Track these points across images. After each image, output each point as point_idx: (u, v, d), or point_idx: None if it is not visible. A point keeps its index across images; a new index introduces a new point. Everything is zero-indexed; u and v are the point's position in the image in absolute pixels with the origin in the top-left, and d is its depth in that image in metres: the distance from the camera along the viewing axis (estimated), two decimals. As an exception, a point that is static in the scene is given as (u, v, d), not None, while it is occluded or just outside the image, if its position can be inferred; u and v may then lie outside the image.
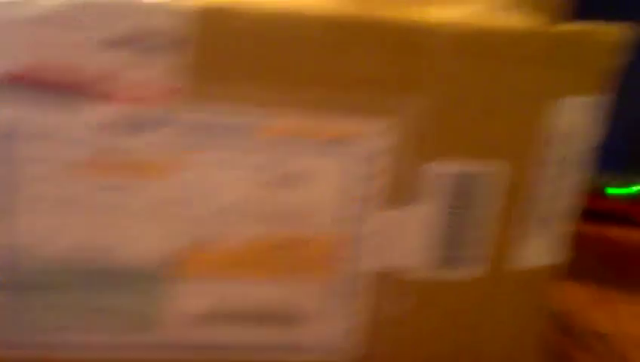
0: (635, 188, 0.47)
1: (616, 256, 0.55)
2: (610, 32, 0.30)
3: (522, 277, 0.34)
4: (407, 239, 0.32)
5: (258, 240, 0.31)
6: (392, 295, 0.33)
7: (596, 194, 0.49)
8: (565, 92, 0.30)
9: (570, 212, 0.34)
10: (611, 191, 0.49)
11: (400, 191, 0.31)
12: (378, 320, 0.33)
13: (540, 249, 0.34)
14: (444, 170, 0.30)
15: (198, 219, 0.30)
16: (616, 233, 0.58)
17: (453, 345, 0.34)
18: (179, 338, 0.32)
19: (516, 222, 0.32)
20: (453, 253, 0.32)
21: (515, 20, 0.30)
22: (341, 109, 0.29)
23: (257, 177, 0.29)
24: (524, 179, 0.32)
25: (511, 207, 0.32)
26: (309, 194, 0.30)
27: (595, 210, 0.58)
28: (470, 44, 0.29)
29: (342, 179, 0.30)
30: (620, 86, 0.44)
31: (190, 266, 0.31)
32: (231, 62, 0.28)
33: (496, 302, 0.34)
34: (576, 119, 0.31)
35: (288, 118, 0.28)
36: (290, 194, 0.30)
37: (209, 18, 0.27)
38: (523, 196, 0.32)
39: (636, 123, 0.45)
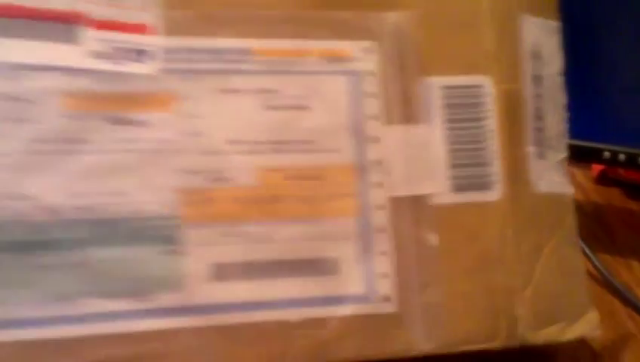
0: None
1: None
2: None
3: (540, 202, 0.33)
4: (421, 159, 0.31)
5: (272, 171, 0.30)
6: (420, 223, 0.31)
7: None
8: (527, 10, 0.34)
9: (564, 138, 0.35)
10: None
11: (402, 110, 0.32)
12: (411, 254, 0.31)
13: (546, 174, 0.34)
14: (435, 85, 0.32)
15: (209, 153, 0.29)
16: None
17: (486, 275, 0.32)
18: (201, 297, 0.28)
19: (517, 141, 0.33)
20: (468, 173, 0.32)
21: None
22: (325, 30, 0.31)
23: (262, 101, 0.30)
24: (512, 95, 0.33)
25: (508, 124, 0.33)
26: (314, 117, 0.30)
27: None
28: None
29: (344, 100, 0.31)
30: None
31: (207, 209, 0.29)
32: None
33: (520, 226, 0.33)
34: (541, 39, 0.34)
35: (278, 40, 0.30)
36: (296, 118, 0.30)
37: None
38: (516, 113, 0.33)
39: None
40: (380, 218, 0.31)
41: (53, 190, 0.28)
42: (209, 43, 0.30)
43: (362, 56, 0.31)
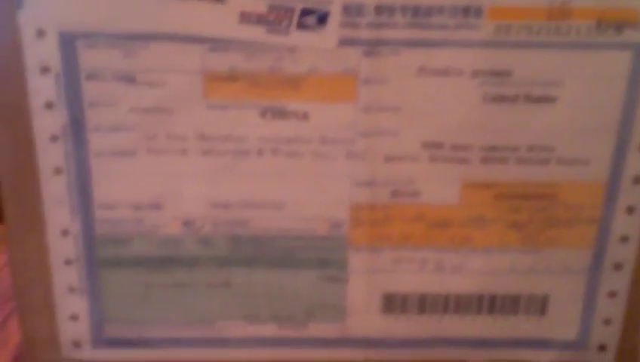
0: None
1: None
2: None
3: None
4: None
5: (481, 187, 0.21)
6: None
7: None
8: None
9: None
10: None
11: None
12: None
13: None
14: None
15: (396, 158, 0.20)
16: None
17: None
18: (365, 330, 0.23)
19: None
20: None
21: None
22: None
23: (485, 88, 0.20)
24: None
25: None
26: (560, 113, 0.20)
27: None
28: None
29: (616, 88, 0.20)
30: None
31: (382, 229, 0.21)
32: None
33: None
34: None
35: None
36: (533, 114, 0.20)
37: None
38: None
39: None
40: (621, 252, 0.22)
41: (189, 198, 0.21)
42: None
43: None
